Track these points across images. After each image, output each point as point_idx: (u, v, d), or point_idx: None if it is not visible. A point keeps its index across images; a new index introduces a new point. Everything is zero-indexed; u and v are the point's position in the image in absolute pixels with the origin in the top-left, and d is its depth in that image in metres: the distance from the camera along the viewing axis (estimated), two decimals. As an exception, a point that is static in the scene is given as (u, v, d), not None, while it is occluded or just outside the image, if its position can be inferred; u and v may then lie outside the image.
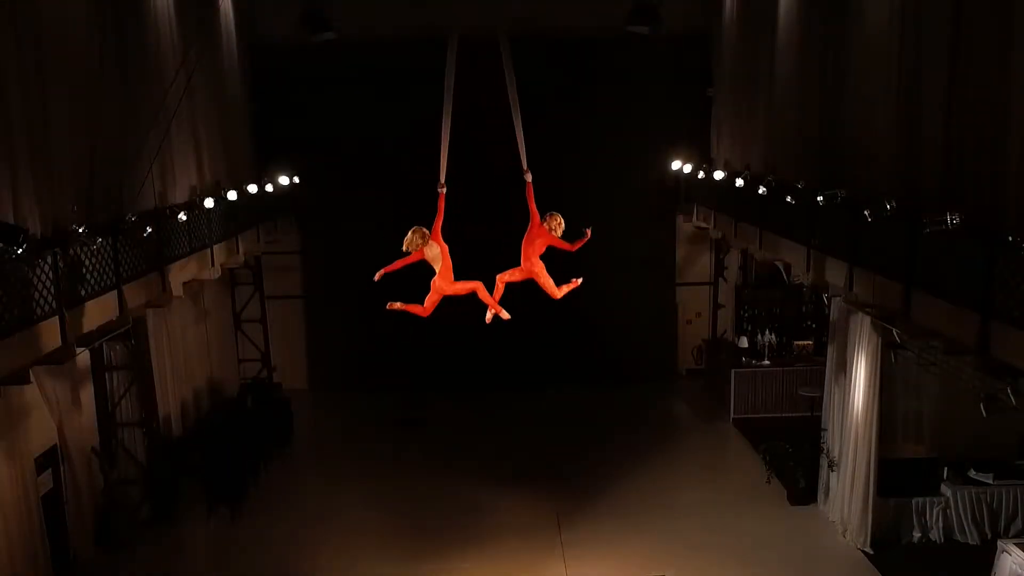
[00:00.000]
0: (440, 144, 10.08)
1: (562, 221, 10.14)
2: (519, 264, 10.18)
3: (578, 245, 10.10)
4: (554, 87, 19.97)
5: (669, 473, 16.24)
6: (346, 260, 20.88)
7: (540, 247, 10.15)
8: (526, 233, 10.19)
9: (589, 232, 10.03)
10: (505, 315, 10.25)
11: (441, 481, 16.02)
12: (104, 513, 13.61)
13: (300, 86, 20.22)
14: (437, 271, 10.02)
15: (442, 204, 9.99)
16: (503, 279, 10.24)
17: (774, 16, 15.59)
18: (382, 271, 9.99)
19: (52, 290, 9.75)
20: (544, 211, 10.23)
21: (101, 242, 10.85)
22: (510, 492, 15.50)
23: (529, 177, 10.28)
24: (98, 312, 11.00)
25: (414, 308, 10.16)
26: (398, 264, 10.00)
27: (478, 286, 10.10)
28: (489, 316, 10.29)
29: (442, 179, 10.09)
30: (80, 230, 10.30)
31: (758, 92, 16.88)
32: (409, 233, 9.86)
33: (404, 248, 9.91)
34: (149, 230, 12.31)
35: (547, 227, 10.07)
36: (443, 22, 11.28)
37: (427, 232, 9.86)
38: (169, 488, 14.80)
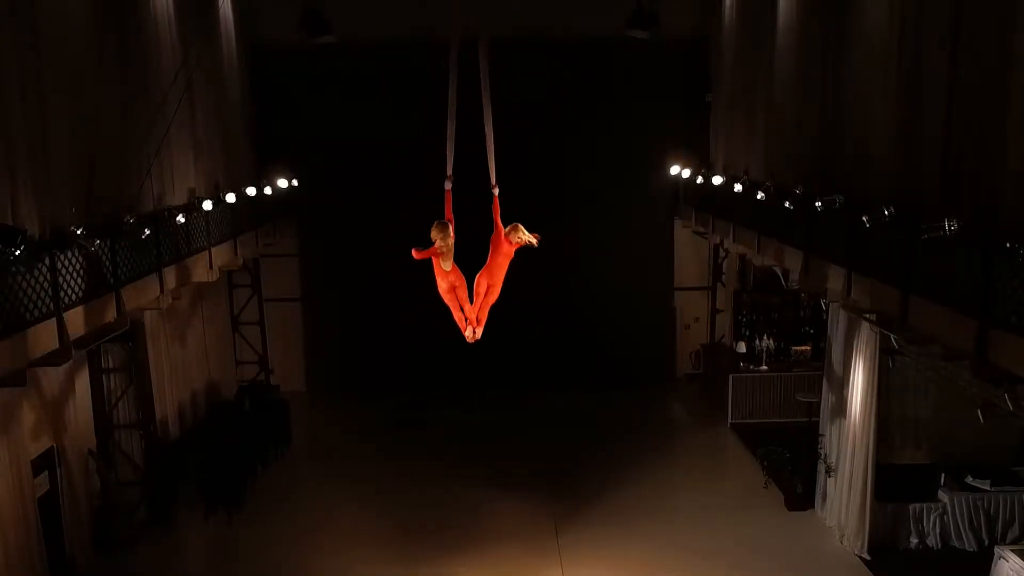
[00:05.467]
0: (447, 140, 9.95)
1: (524, 231, 9.90)
2: (483, 273, 10.07)
3: (516, 246, 9.94)
4: (554, 91, 20.06)
5: (667, 477, 16.24)
6: (344, 263, 20.98)
7: (504, 260, 9.96)
8: (492, 248, 10.01)
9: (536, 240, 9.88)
10: (469, 336, 10.10)
11: (438, 484, 16.00)
12: (101, 515, 13.59)
13: (299, 89, 20.26)
14: (445, 270, 9.83)
15: (449, 200, 9.88)
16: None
17: (773, 21, 15.62)
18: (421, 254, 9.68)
19: (50, 291, 9.74)
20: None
21: (99, 244, 10.84)
22: (508, 495, 15.49)
23: (496, 191, 10.07)
24: (96, 314, 10.99)
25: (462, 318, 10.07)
26: (426, 253, 9.72)
27: (459, 311, 10.04)
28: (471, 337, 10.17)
29: (449, 171, 9.95)
30: (78, 232, 10.30)
31: (757, 97, 16.91)
32: (438, 234, 9.60)
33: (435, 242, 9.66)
34: (147, 232, 12.30)
35: (509, 240, 9.86)
36: (442, 25, 11.25)
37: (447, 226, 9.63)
38: (166, 490, 14.78)
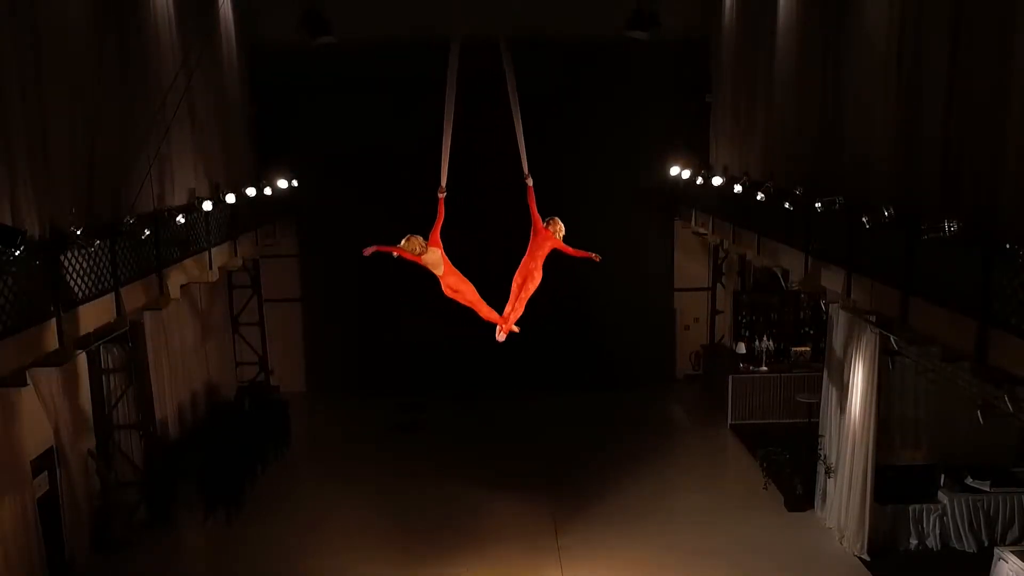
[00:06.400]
0: (441, 149, 10.05)
1: (562, 226, 10.22)
2: (519, 268, 10.16)
3: (580, 254, 10.18)
4: (553, 92, 19.99)
5: (666, 478, 16.22)
6: (344, 263, 20.85)
7: (546, 252, 10.13)
8: (532, 238, 10.16)
9: (598, 258, 10.11)
10: (515, 328, 10.14)
11: (438, 485, 15.99)
12: (101, 516, 13.58)
13: (300, 89, 20.25)
14: (440, 276, 9.94)
15: (442, 209, 9.93)
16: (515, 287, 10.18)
17: (773, 21, 15.63)
18: (375, 248, 9.65)
19: (50, 292, 9.74)
20: (542, 216, 10.25)
21: (99, 244, 10.85)
22: (508, 496, 15.48)
23: (530, 182, 10.24)
24: (96, 314, 11.00)
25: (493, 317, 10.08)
26: (392, 250, 9.77)
27: (479, 305, 10.03)
28: (501, 336, 10.15)
29: (443, 184, 10.05)
30: (78, 232, 10.30)
31: (757, 98, 16.91)
32: (404, 241, 9.75)
33: (401, 244, 9.79)
34: (147, 232, 12.31)
35: (551, 231, 10.10)
36: (443, 27, 11.27)
37: (424, 241, 9.74)
38: (166, 491, 14.77)
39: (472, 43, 10.76)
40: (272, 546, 13.82)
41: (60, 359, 10.26)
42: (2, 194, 9.70)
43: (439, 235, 9.88)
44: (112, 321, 11.59)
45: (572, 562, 13.04)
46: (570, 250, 10.27)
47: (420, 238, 9.74)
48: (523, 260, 10.18)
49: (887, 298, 10.47)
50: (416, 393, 20.75)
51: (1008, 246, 7.88)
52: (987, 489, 13.19)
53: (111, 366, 14.22)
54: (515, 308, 10.11)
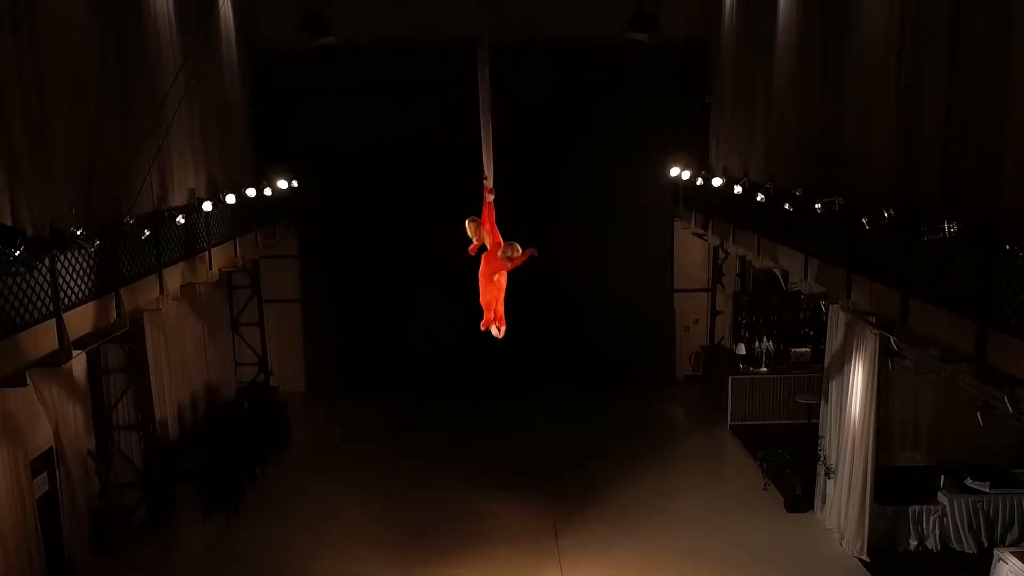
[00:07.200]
0: (483, 145, 9.68)
1: (518, 248, 9.73)
2: (485, 263, 9.84)
3: (519, 262, 9.76)
4: (554, 93, 20.06)
5: (666, 479, 16.23)
6: (344, 264, 21.00)
7: (496, 270, 9.72)
8: (484, 255, 9.81)
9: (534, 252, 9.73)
10: (498, 333, 9.95)
11: (438, 486, 15.99)
12: (100, 516, 13.57)
13: (300, 90, 20.28)
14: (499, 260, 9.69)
15: (489, 212, 9.68)
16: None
17: (773, 22, 15.63)
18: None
19: (50, 292, 9.74)
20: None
21: (99, 244, 10.85)
22: (507, 497, 15.47)
23: (491, 197, 9.72)
24: (95, 315, 11.00)
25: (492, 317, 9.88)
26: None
27: (498, 304, 9.84)
28: (500, 332, 9.98)
29: (489, 183, 9.69)
30: (78, 232, 10.30)
31: (757, 100, 16.92)
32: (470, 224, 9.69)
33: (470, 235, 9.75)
34: (147, 233, 12.31)
35: (504, 257, 9.65)
36: (443, 28, 11.28)
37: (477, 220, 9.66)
38: (165, 492, 14.77)
39: (469, 43, 10.73)
40: (272, 547, 13.81)
41: (60, 359, 10.26)
42: (2, 194, 9.70)
43: (496, 227, 9.67)
44: (112, 321, 11.59)
45: (572, 562, 13.04)
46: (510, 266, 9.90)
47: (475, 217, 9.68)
48: (485, 255, 9.81)
49: (887, 299, 10.47)
50: (416, 393, 20.75)
51: (1008, 247, 7.87)
52: (987, 490, 13.19)
53: (111, 366, 14.21)
54: (498, 305, 9.86)
